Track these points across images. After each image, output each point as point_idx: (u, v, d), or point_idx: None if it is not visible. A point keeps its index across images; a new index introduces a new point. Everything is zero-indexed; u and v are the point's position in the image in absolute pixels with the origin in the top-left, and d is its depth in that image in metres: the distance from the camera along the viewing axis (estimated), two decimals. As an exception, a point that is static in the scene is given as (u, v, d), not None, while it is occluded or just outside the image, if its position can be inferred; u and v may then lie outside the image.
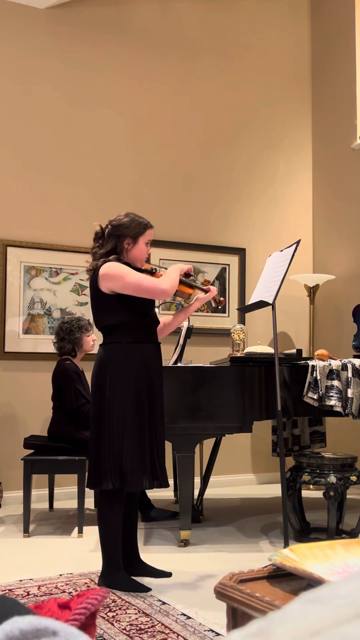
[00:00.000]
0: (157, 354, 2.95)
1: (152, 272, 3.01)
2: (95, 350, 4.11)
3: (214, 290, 3.13)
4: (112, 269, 2.80)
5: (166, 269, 3.05)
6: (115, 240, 2.89)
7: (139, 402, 2.82)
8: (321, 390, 3.58)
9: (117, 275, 2.78)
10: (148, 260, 3.25)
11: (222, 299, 3.32)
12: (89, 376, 3.93)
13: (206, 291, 3.13)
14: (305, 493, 4.73)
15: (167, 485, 2.91)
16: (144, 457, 2.81)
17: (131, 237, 2.89)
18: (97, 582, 2.89)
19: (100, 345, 2.94)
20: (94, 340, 4.21)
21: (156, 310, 3.03)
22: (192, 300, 3.11)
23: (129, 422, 2.79)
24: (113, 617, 2.48)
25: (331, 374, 3.62)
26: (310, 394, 3.59)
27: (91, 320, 4.10)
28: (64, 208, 4.95)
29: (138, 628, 2.35)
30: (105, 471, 2.78)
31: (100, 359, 2.88)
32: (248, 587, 1.32)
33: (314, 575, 1.27)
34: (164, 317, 3.19)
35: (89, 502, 4.51)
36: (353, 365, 3.65)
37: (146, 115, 5.30)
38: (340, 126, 5.66)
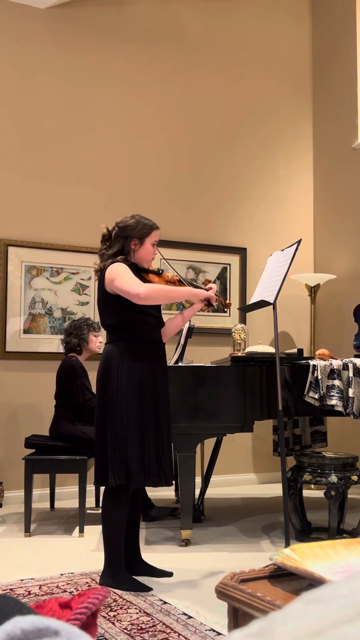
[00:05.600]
0: (161, 354, 2.96)
1: (158, 273, 3.02)
2: (100, 352, 4.12)
3: (213, 287, 3.10)
4: (111, 271, 2.84)
5: (182, 280, 3.04)
6: (122, 241, 2.93)
7: (142, 400, 2.83)
8: (322, 389, 3.58)
9: (111, 278, 2.82)
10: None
11: (229, 302, 3.31)
12: (92, 377, 3.94)
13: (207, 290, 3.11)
14: (306, 493, 4.73)
15: (170, 484, 2.92)
16: (148, 455, 2.82)
17: (138, 238, 2.92)
18: (98, 581, 2.89)
19: (105, 343, 2.97)
20: (100, 342, 4.24)
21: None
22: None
23: (133, 419, 2.81)
24: (114, 616, 2.48)
25: (332, 373, 3.62)
26: (311, 394, 3.58)
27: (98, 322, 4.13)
28: (65, 208, 4.95)
29: (139, 627, 2.35)
30: (110, 468, 2.80)
31: (105, 356, 2.91)
32: (249, 586, 1.32)
33: (315, 575, 1.27)
34: (168, 318, 3.18)
35: (90, 502, 4.51)
36: (354, 365, 3.64)
37: (147, 115, 5.30)
38: (341, 126, 5.66)
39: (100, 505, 2.99)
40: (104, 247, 2.99)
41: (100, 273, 2.92)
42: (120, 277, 2.80)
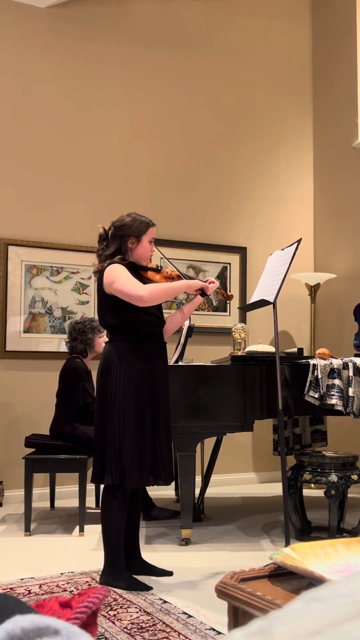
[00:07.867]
0: (161, 353, 2.96)
1: (157, 270, 3.02)
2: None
3: (213, 281, 3.08)
4: (109, 273, 2.84)
5: (181, 275, 3.03)
6: (119, 240, 2.93)
7: (141, 400, 2.84)
8: (322, 389, 3.58)
9: (110, 281, 2.83)
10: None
11: (230, 293, 3.30)
12: (95, 376, 3.94)
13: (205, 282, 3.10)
14: (306, 492, 4.73)
15: (169, 483, 2.92)
16: (145, 454, 2.82)
17: (134, 236, 2.93)
18: (98, 580, 2.89)
19: (105, 343, 2.98)
20: (105, 341, 4.22)
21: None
22: (194, 296, 3.09)
23: (130, 418, 2.81)
24: (114, 615, 2.48)
25: (332, 372, 3.62)
26: (311, 393, 3.59)
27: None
28: (65, 207, 4.95)
29: (139, 627, 2.36)
30: (106, 466, 2.80)
31: (105, 356, 2.92)
32: (249, 585, 1.32)
33: (315, 574, 1.27)
34: (169, 315, 3.17)
35: (90, 501, 4.51)
36: (354, 364, 3.65)
37: (147, 114, 5.30)
38: (341, 125, 5.66)
39: (100, 504, 2.98)
40: (101, 247, 2.99)
41: (99, 274, 2.92)
42: (120, 279, 2.80)
